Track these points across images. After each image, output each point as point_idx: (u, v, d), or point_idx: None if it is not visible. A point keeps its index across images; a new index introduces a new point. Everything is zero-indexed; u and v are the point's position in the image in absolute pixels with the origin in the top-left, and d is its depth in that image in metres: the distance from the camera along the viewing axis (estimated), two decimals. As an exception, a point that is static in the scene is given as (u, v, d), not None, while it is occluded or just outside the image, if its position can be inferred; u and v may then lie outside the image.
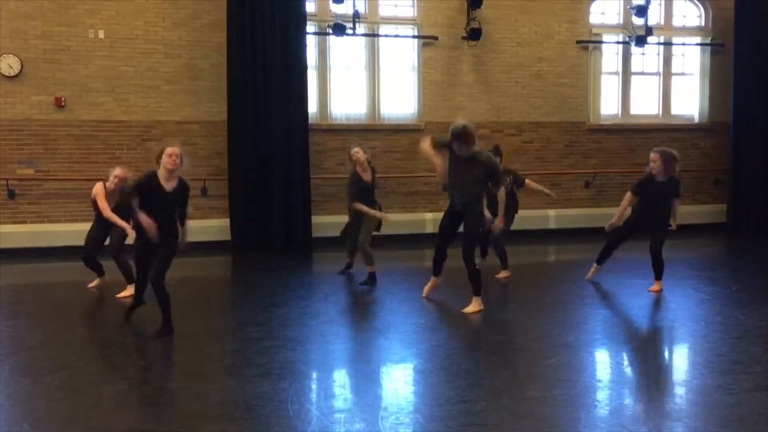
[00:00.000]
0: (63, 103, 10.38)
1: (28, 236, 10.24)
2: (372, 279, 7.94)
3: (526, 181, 8.64)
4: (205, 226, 10.65)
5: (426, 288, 7.27)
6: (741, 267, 9.55)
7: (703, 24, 12.97)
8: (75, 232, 10.35)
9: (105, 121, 10.57)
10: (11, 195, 10.22)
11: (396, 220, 10.05)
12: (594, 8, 12.43)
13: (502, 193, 6.81)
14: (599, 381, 4.97)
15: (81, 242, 10.19)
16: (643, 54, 12.75)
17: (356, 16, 10.97)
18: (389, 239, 10.52)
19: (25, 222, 10.35)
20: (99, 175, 10.47)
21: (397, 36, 11.73)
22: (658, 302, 7.15)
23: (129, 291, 7.44)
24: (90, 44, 10.43)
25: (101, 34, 10.45)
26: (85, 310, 7.05)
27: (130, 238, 6.82)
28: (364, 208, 7.90)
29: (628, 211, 7.77)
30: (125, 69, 10.58)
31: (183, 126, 10.81)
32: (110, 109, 10.57)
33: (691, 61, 13.02)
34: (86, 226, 10.28)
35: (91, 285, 7.96)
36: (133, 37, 10.56)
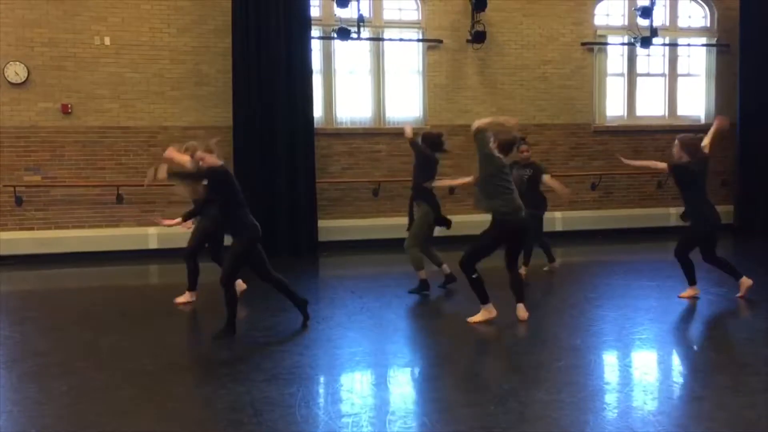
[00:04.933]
0: (69, 110, 10.42)
1: (36, 242, 10.27)
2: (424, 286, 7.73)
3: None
4: (212, 231, 10.68)
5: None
6: (749, 268, 9.45)
7: (708, 25, 12.94)
8: (82, 238, 10.44)
9: (111, 127, 10.61)
10: (18, 201, 10.25)
11: (401, 224, 10.05)
12: (599, 10, 12.41)
13: None
14: (607, 384, 4.96)
15: (88, 248, 10.37)
16: (648, 55, 12.72)
17: (361, 21, 10.98)
18: (396, 243, 10.51)
19: (32, 228, 10.38)
20: (105, 182, 10.57)
21: (401, 39, 11.74)
22: (665, 304, 7.12)
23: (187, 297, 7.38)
24: (96, 51, 10.48)
25: (107, 41, 10.50)
26: (93, 317, 7.06)
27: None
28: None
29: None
30: (131, 75, 10.62)
31: (189, 131, 10.81)
32: (116, 116, 10.61)
33: (696, 62, 12.99)
34: (94, 232, 10.51)
35: (180, 300, 7.43)
36: (138, 43, 10.60)
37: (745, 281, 7.18)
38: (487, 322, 6.32)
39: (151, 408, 4.49)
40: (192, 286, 7.39)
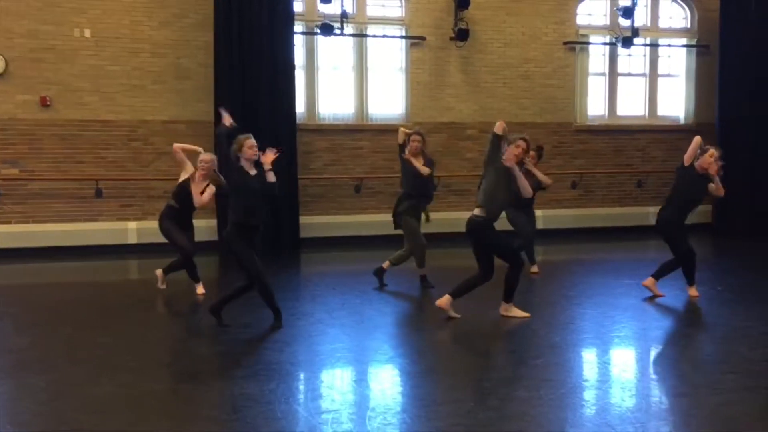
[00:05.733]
0: (48, 103, 10.30)
1: (13, 236, 10.15)
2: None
3: None
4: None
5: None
6: (726, 267, 9.62)
7: (689, 26, 13.07)
8: (61, 232, 10.34)
9: (91, 120, 10.51)
10: (-4, 195, 10.13)
11: (383, 221, 10.06)
12: (581, 9, 12.49)
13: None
14: (586, 381, 5.00)
15: (66, 242, 10.26)
16: (629, 55, 12.83)
17: (344, 16, 10.96)
18: (376, 240, 10.53)
19: (9, 222, 10.25)
20: (85, 175, 10.46)
21: (384, 36, 11.73)
22: (644, 302, 7.19)
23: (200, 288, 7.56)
24: (76, 43, 10.36)
25: (87, 33, 10.39)
26: (71, 312, 6.99)
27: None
28: None
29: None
30: (111, 68, 10.52)
31: (169, 125, 10.75)
32: (96, 109, 10.51)
33: (676, 62, 13.12)
34: (72, 227, 10.39)
35: (200, 292, 7.59)
36: (119, 36, 10.50)
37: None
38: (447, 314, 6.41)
39: (130, 405, 4.46)
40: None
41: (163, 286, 7.71)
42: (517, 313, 6.47)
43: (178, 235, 7.44)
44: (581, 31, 12.48)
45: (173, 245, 7.53)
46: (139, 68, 10.62)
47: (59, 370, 5.08)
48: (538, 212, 12.00)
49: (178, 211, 7.46)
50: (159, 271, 7.76)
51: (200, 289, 7.56)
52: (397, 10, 11.80)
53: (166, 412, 4.37)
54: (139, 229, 10.56)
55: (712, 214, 12.57)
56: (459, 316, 6.42)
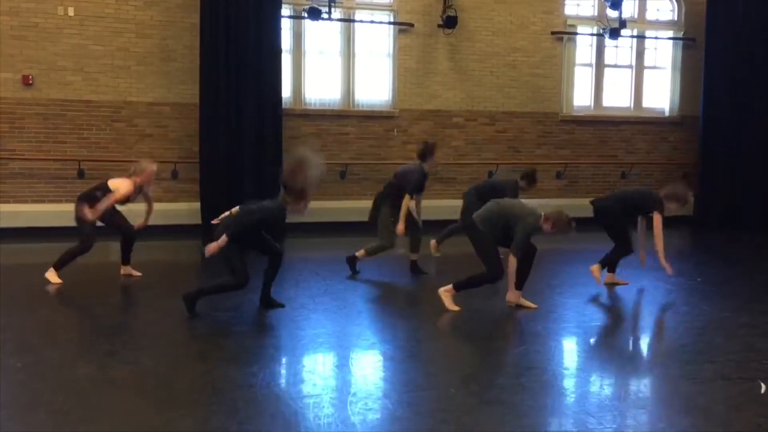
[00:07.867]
0: (30, 81, 10.16)
1: (-7, 216, 10.03)
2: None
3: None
4: (175, 209, 10.54)
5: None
6: (706, 259, 9.72)
7: (675, 18, 13.11)
8: (41, 212, 10.23)
9: (73, 100, 10.38)
10: (-25, 174, 9.99)
11: (368, 207, 10.05)
12: (569, 0, 12.49)
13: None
14: (566, 369, 5.03)
15: (47, 223, 10.16)
16: (616, 47, 12.86)
17: (332, 1, 10.88)
18: (360, 226, 10.50)
19: (-11, 202, 10.13)
20: (66, 156, 10.35)
21: (372, 22, 11.67)
22: (625, 293, 7.25)
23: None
24: (59, 21, 10.21)
25: (71, 12, 10.23)
26: (50, 293, 6.93)
27: None
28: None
29: None
30: (95, 48, 10.38)
31: (154, 108, 10.65)
32: (79, 89, 10.38)
33: (663, 54, 13.17)
34: (54, 207, 10.27)
35: (124, 273, 7.65)
36: (103, 15, 10.36)
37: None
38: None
39: (109, 387, 4.43)
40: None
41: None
42: (447, 303, 6.36)
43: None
44: (569, 22, 12.49)
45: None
46: (124, 48, 10.49)
47: (36, 352, 5.03)
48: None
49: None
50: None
51: (125, 270, 7.60)
52: (385, -4, 11.74)
53: (145, 395, 4.35)
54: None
55: (693, 206, 12.65)
56: (535, 306, 6.44)
